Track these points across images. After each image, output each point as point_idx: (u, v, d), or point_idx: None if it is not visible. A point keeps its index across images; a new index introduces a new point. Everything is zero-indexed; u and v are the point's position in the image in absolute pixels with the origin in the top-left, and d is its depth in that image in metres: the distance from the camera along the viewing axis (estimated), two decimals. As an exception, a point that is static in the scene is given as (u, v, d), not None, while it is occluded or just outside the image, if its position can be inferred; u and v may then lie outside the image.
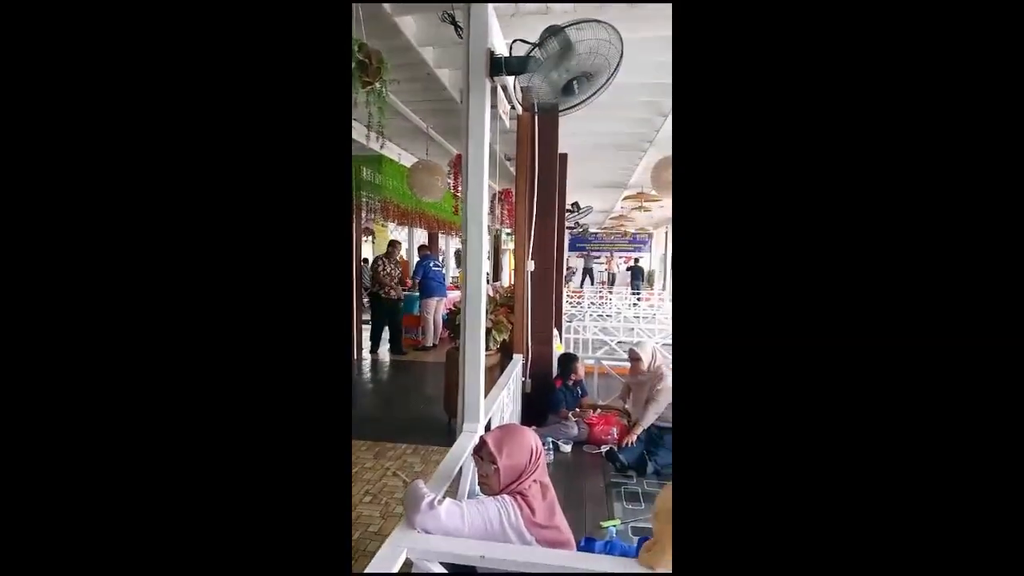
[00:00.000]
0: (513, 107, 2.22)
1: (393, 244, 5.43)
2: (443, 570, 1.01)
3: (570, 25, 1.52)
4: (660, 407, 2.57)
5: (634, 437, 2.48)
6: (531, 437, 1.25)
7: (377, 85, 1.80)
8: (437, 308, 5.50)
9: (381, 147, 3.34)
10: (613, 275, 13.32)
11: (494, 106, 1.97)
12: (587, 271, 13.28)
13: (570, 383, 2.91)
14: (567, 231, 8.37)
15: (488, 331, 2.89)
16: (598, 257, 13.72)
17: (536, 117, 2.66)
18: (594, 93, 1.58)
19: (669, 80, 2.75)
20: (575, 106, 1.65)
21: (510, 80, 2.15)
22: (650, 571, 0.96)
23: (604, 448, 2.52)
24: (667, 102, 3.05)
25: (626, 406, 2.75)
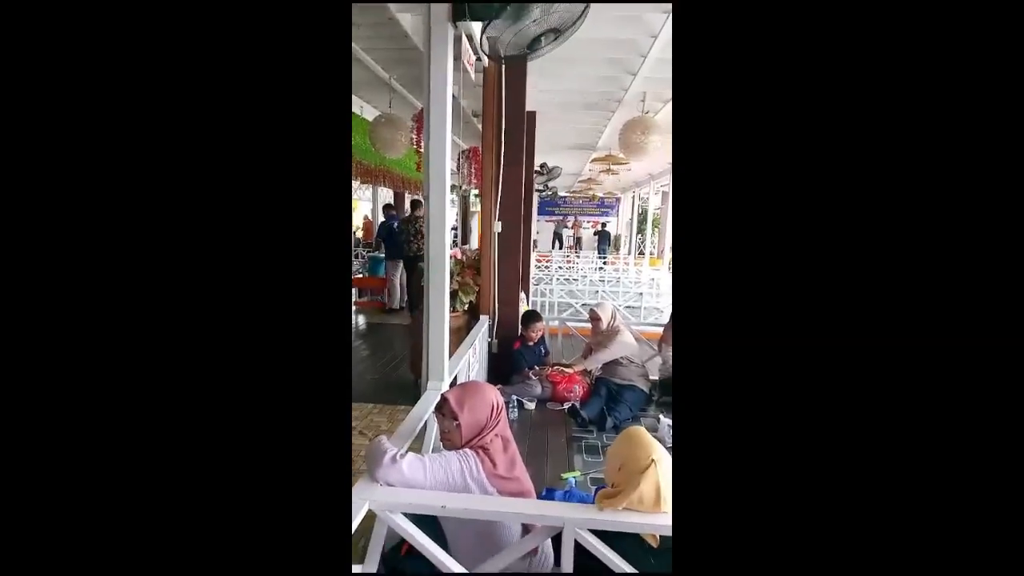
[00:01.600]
0: (479, 58, 2.12)
1: (415, 204, 5.25)
2: (406, 521, 1.03)
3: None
4: (608, 355, 2.68)
5: (581, 369, 2.69)
6: (492, 393, 1.27)
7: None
8: (398, 270, 5.41)
9: (340, 98, 3.14)
10: (579, 239, 13.43)
11: (458, 56, 1.88)
12: (556, 236, 13.33)
13: (532, 342, 2.96)
14: (536, 193, 8.31)
15: (454, 293, 2.87)
16: (566, 221, 13.76)
17: (503, 69, 2.56)
18: (555, 40, 1.52)
19: (635, 36, 2.69)
20: (540, 51, 1.59)
21: (476, 28, 2.04)
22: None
23: (567, 405, 2.60)
24: (635, 59, 2.99)
25: (587, 363, 2.84)
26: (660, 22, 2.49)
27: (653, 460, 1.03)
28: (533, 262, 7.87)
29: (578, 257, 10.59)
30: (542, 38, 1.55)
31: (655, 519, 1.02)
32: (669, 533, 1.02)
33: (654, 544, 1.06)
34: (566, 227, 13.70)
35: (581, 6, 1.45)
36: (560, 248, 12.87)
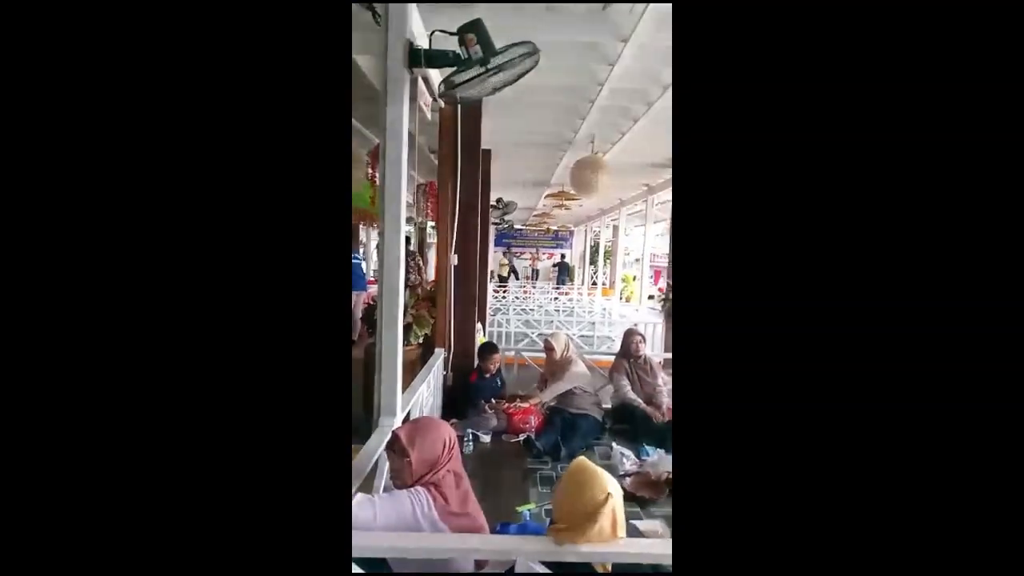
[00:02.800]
0: (435, 100, 2.21)
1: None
2: (353, 567, 1.00)
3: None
4: (562, 386, 2.73)
5: (538, 404, 2.68)
6: (444, 429, 1.26)
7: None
8: (356, 302, 5.29)
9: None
10: (536, 271, 13.69)
11: (414, 98, 1.95)
12: (512, 269, 13.52)
13: (489, 374, 2.96)
14: (493, 226, 8.44)
15: (409, 326, 2.85)
16: (522, 254, 14.02)
17: (459, 111, 2.66)
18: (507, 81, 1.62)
19: (585, 83, 2.89)
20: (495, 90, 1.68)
21: (432, 72, 2.13)
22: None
23: (522, 436, 2.60)
24: (584, 105, 3.20)
25: (542, 396, 2.87)
26: (605, 72, 2.69)
27: (609, 494, 1.05)
28: (490, 293, 7.93)
29: (534, 288, 10.75)
30: (495, 89, 1.65)
31: (607, 547, 1.04)
32: (617, 560, 1.05)
33: (606, 571, 1.08)
34: (520, 257, 13.98)
35: (531, 55, 1.55)
36: (516, 279, 13.05)
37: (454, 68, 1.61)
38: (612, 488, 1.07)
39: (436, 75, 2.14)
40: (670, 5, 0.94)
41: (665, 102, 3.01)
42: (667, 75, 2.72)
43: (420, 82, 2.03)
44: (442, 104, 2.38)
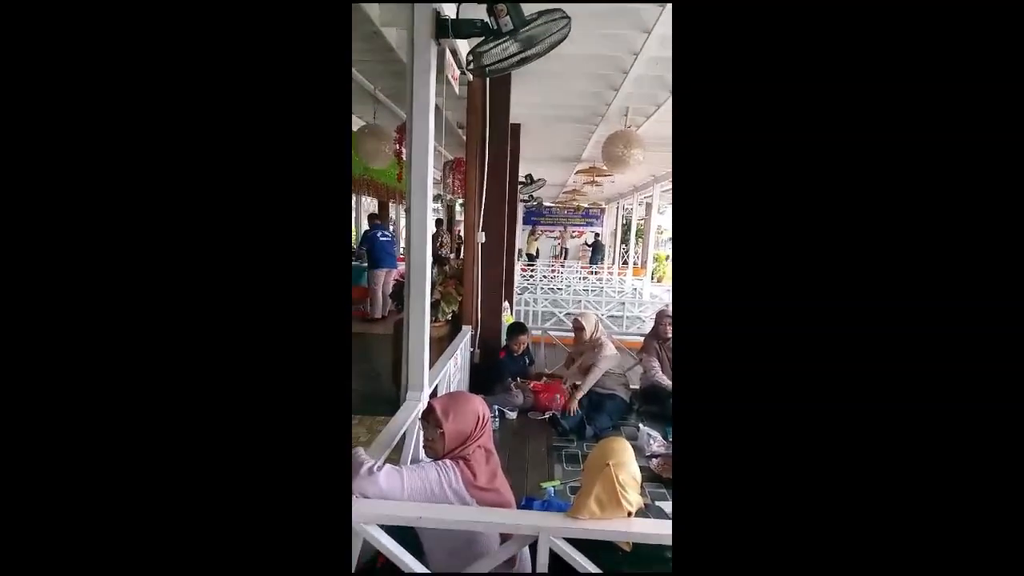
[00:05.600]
0: (463, 72, 2.16)
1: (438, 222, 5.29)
2: (381, 533, 1.03)
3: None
4: (598, 374, 2.69)
5: (575, 404, 2.60)
6: (478, 404, 1.28)
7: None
8: (386, 279, 5.39)
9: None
10: (566, 249, 13.53)
11: (442, 70, 1.91)
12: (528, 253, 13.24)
13: (516, 353, 2.97)
14: (521, 203, 8.37)
15: (436, 303, 2.88)
16: (551, 232, 13.86)
17: (488, 84, 2.60)
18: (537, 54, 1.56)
19: (619, 52, 2.76)
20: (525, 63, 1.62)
21: (460, 44, 2.08)
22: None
23: (547, 414, 2.62)
24: (617, 76, 3.07)
25: (568, 373, 2.87)
26: (641, 40, 2.56)
27: (609, 464, 1.05)
28: (518, 271, 7.92)
29: (563, 267, 10.66)
30: (524, 62, 1.59)
31: (627, 526, 1.04)
32: (640, 540, 1.05)
33: (627, 549, 1.08)
34: (550, 235, 13.80)
35: (562, 23, 1.49)
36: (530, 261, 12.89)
37: (482, 39, 1.56)
38: (618, 460, 1.06)
39: (464, 46, 2.08)
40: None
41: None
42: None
43: (448, 54, 1.99)
44: (470, 77, 2.33)
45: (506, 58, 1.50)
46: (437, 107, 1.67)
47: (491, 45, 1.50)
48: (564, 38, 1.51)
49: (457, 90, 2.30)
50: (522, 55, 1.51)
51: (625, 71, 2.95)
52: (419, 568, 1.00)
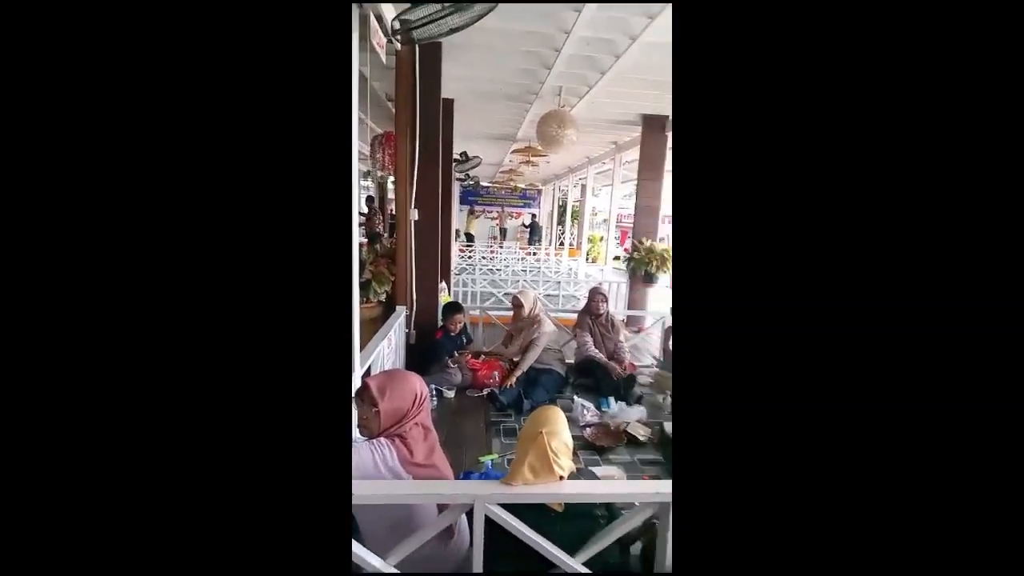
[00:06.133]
0: (390, 40, 2.06)
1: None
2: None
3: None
4: (538, 350, 2.76)
5: (514, 379, 2.65)
6: (416, 381, 1.26)
7: None
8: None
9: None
10: (504, 230, 13.56)
11: (365, 37, 1.81)
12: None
13: (453, 333, 2.96)
14: (456, 182, 8.23)
15: (367, 283, 2.78)
16: (488, 212, 13.81)
17: (417, 55, 2.51)
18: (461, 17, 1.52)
19: (551, 30, 2.76)
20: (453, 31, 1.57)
21: (386, 9, 1.97)
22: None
23: (486, 391, 2.65)
24: (549, 54, 3.07)
25: (508, 351, 2.91)
26: (572, 19, 2.58)
27: (542, 432, 1.09)
28: (455, 252, 7.83)
29: (501, 248, 10.70)
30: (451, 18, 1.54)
31: (559, 488, 1.09)
32: (571, 500, 1.10)
33: (559, 510, 1.13)
34: (488, 216, 13.77)
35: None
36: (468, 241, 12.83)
37: (408, 5, 1.49)
38: (551, 429, 1.11)
39: (390, 12, 1.98)
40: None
41: (633, 56, 2.93)
42: (636, 25, 2.63)
43: (372, 20, 1.88)
44: (398, 46, 2.23)
45: (434, 19, 1.45)
46: (361, 75, 1.58)
47: (416, 9, 1.44)
48: (493, 7, 1.48)
49: (384, 59, 2.19)
50: (449, 15, 1.46)
51: (557, 49, 2.96)
52: (357, 548, 0.98)
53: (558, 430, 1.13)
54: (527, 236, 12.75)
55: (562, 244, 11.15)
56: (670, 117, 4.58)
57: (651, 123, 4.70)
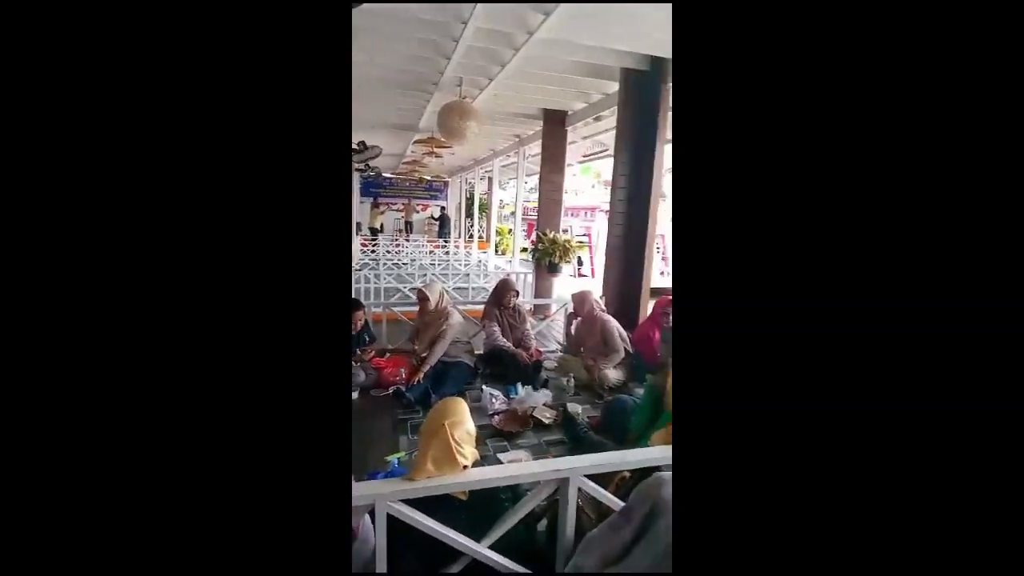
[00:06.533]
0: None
1: None
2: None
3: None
4: (447, 343, 2.73)
5: (421, 375, 2.60)
6: None
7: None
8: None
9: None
10: (409, 223, 13.19)
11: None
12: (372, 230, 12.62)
13: (352, 331, 2.83)
14: (356, 173, 7.82)
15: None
16: (393, 205, 13.33)
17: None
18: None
19: (448, 18, 2.72)
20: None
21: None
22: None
23: (392, 389, 2.57)
24: (448, 43, 3.03)
25: (415, 346, 2.85)
26: (469, 9, 2.56)
27: (444, 424, 1.09)
28: (357, 247, 7.46)
29: (408, 242, 10.41)
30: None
31: (464, 477, 1.09)
32: (475, 488, 1.11)
33: (464, 499, 1.14)
34: (392, 208, 13.26)
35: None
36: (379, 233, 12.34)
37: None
38: (452, 420, 1.11)
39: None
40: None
41: (532, 50, 2.99)
42: (532, 20, 2.69)
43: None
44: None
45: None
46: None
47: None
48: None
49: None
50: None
51: (455, 39, 2.93)
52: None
53: (461, 420, 1.13)
54: (436, 229, 12.51)
55: (471, 237, 11.14)
56: (569, 112, 4.78)
57: (552, 118, 4.86)
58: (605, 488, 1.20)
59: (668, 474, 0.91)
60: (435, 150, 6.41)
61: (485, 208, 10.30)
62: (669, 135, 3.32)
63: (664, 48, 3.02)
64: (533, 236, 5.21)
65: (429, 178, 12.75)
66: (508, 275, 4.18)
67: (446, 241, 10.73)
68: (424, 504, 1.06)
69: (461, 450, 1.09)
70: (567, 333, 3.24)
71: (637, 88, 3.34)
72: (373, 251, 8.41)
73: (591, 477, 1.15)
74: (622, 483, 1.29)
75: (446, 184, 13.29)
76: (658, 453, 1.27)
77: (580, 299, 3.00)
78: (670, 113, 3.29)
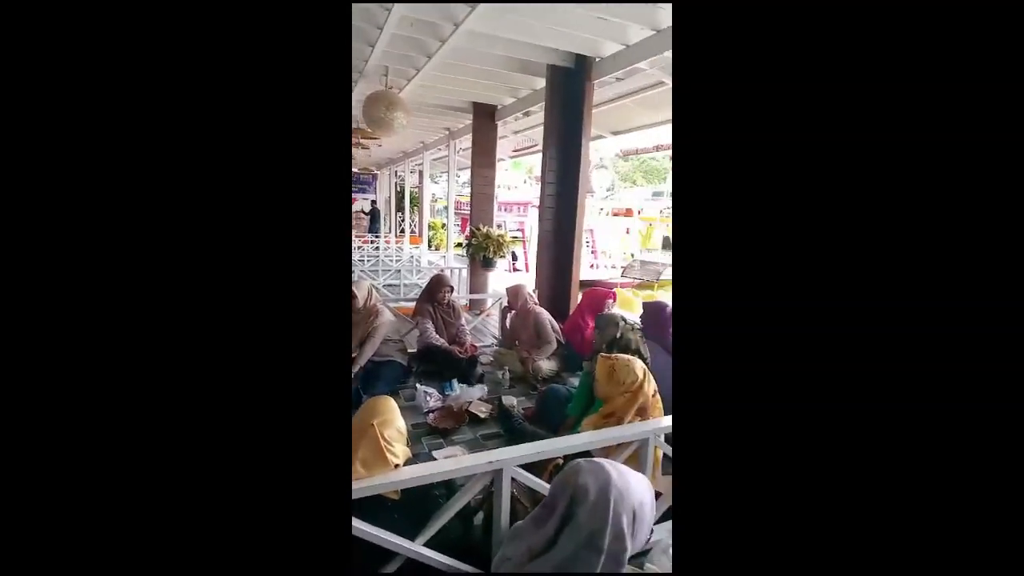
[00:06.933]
0: None
1: None
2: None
3: None
4: (377, 342, 2.65)
5: (351, 375, 2.50)
6: None
7: None
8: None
9: None
10: (338, 218, 12.55)
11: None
12: None
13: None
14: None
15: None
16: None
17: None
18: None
19: (370, 5, 2.61)
20: None
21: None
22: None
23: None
24: (372, 30, 2.91)
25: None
26: (392, -4, 2.47)
27: (373, 424, 1.07)
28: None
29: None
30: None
31: (396, 475, 1.07)
32: (407, 486, 1.09)
33: (395, 498, 1.12)
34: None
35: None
36: None
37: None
38: (381, 418, 1.10)
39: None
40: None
41: (458, 41, 2.96)
42: (458, 12, 2.65)
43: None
44: None
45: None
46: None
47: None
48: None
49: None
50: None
51: (379, 26, 2.82)
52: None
53: (390, 418, 1.11)
54: (366, 223, 12.02)
55: (403, 232, 10.85)
56: (499, 106, 4.79)
57: (481, 111, 4.84)
58: (539, 476, 1.23)
59: (584, 461, 0.95)
60: (361, 141, 6.15)
61: (416, 202, 10.07)
62: (594, 132, 3.44)
63: (588, 46, 3.12)
64: (468, 231, 5.18)
65: (357, 171, 12.23)
66: (442, 270, 4.13)
67: (376, 236, 10.37)
68: (355, 506, 1.02)
69: (392, 449, 1.07)
70: (502, 327, 3.27)
71: (563, 85, 3.42)
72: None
73: (525, 467, 1.18)
74: (555, 470, 1.33)
75: (375, 177, 12.83)
76: (587, 438, 1.33)
77: (514, 292, 3.04)
78: (594, 111, 3.40)
